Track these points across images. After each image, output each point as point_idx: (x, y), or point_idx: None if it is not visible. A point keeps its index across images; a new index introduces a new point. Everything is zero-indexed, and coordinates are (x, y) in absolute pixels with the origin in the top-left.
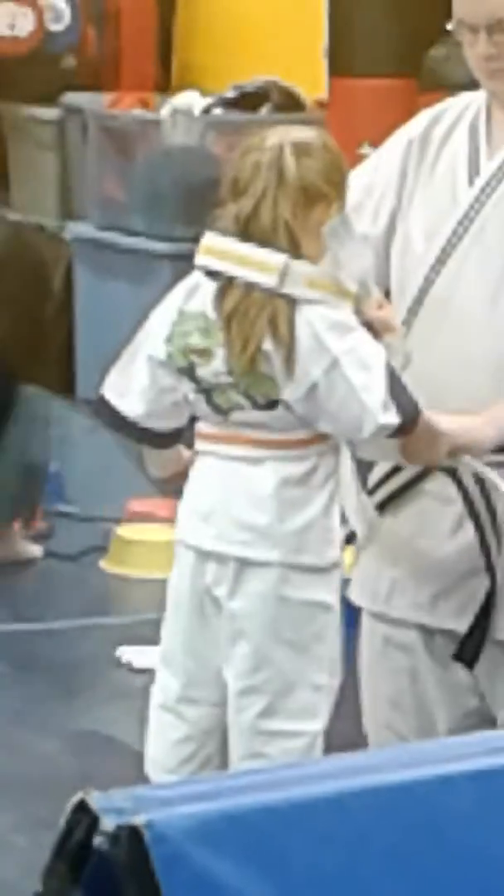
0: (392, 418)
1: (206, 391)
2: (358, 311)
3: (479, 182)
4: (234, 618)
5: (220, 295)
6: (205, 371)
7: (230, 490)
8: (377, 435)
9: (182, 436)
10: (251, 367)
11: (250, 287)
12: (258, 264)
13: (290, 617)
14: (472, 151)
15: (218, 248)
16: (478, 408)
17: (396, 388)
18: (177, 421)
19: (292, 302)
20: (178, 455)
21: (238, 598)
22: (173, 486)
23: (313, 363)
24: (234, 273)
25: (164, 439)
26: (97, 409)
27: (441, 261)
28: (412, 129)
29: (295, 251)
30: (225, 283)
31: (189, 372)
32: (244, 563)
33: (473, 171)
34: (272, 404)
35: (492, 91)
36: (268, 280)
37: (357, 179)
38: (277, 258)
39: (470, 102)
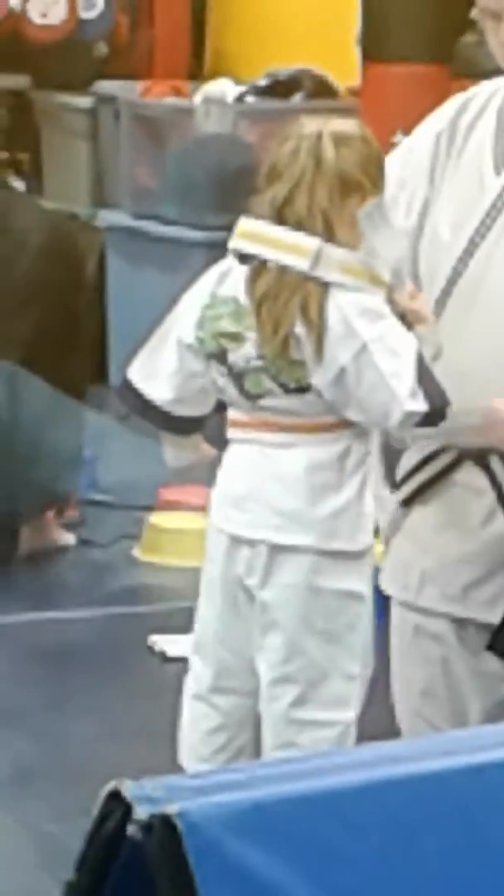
0: (420, 405)
1: (237, 376)
2: (390, 301)
3: None
4: (266, 608)
5: (253, 278)
6: (236, 355)
7: (262, 475)
8: (404, 423)
9: (204, 424)
10: (283, 350)
11: (283, 270)
12: (292, 247)
13: (323, 607)
14: (498, 139)
15: (252, 232)
16: None
17: (425, 377)
18: (202, 408)
19: (324, 286)
20: (197, 445)
21: (270, 587)
22: (188, 475)
23: (342, 348)
24: (267, 256)
25: (188, 426)
26: (122, 392)
27: (469, 252)
28: (440, 120)
29: (330, 237)
30: (257, 267)
31: (220, 356)
32: (276, 549)
33: (500, 159)
34: (303, 389)
35: None
36: (300, 263)
37: (388, 172)
38: (311, 241)
39: (496, 89)
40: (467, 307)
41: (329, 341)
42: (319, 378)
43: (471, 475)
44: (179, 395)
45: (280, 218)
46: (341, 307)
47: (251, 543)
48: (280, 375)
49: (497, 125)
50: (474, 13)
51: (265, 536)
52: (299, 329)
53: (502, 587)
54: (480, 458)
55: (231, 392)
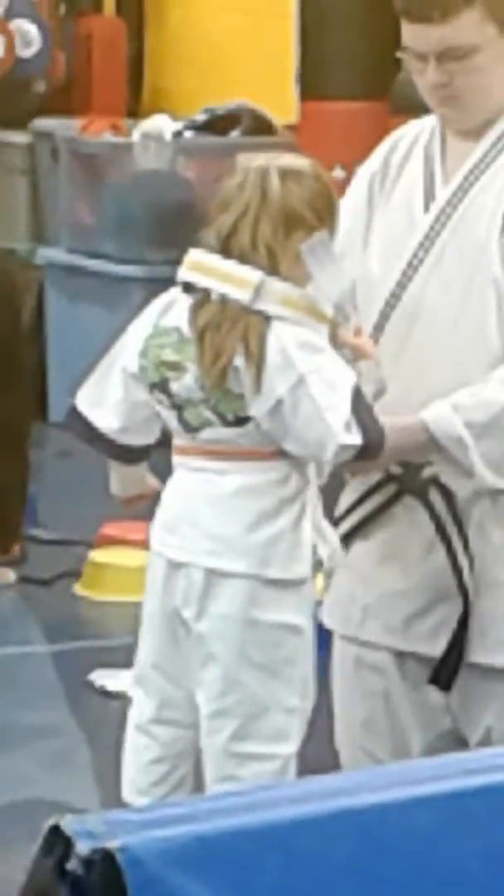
0: (354, 439)
1: (178, 407)
2: (334, 336)
3: (435, 208)
4: (202, 640)
5: (196, 309)
6: (177, 386)
7: (196, 499)
8: (339, 456)
9: (150, 453)
10: (221, 381)
11: (224, 302)
12: (234, 279)
13: (260, 640)
14: (427, 177)
15: (199, 264)
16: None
17: (362, 411)
18: (148, 437)
19: (265, 319)
20: (143, 476)
21: (205, 619)
22: (134, 508)
23: (279, 380)
24: (211, 287)
25: (134, 455)
26: (69, 420)
27: (400, 287)
28: (372, 164)
29: (273, 270)
30: (201, 298)
31: (162, 386)
32: (210, 575)
33: (429, 196)
34: (241, 421)
35: (444, 117)
36: (242, 295)
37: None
38: (253, 274)
39: (424, 127)
40: (400, 341)
41: (267, 372)
42: (257, 409)
43: (410, 509)
44: (125, 423)
45: (225, 249)
46: (280, 339)
47: (185, 567)
48: (219, 406)
49: (425, 164)
50: (400, 53)
51: (198, 561)
52: (238, 361)
53: (443, 619)
54: (420, 491)
55: (172, 423)
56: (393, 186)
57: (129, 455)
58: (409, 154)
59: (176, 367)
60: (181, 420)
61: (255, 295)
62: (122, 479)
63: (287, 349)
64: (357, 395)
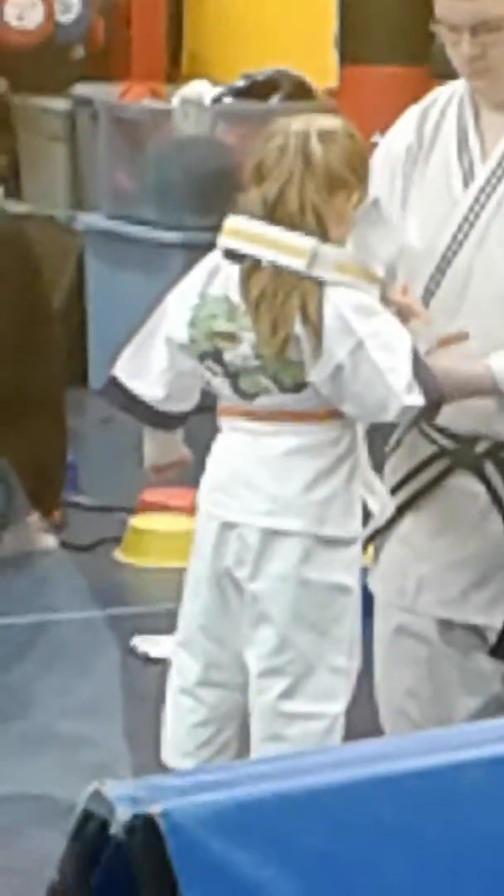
0: (416, 399)
1: (233, 375)
2: (384, 297)
3: (476, 185)
4: (256, 600)
5: (246, 278)
6: (232, 355)
7: (252, 461)
8: (401, 416)
9: (187, 419)
10: (282, 351)
11: (278, 270)
12: (287, 247)
13: (312, 599)
14: (462, 150)
15: (244, 231)
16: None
17: (421, 371)
18: (189, 403)
19: (320, 285)
20: (179, 443)
21: (260, 579)
22: (164, 478)
23: (338, 345)
24: (261, 256)
25: (174, 421)
26: (107, 390)
27: (442, 268)
28: (406, 134)
29: (323, 235)
30: (250, 266)
31: (215, 356)
32: (267, 535)
33: (468, 173)
34: (299, 387)
35: (478, 89)
36: (298, 263)
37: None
38: (307, 241)
39: (453, 94)
40: (447, 320)
41: (326, 338)
42: (316, 375)
43: (464, 480)
44: (170, 392)
45: (272, 217)
46: (337, 305)
47: (239, 528)
48: (278, 374)
49: (458, 132)
50: (433, 26)
51: (255, 521)
52: (297, 329)
53: (499, 590)
54: (474, 463)
55: (225, 391)
56: (427, 158)
57: (169, 422)
58: (440, 123)
59: (230, 337)
60: (236, 388)
61: (310, 262)
62: (159, 447)
63: (344, 314)
64: (415, 355)
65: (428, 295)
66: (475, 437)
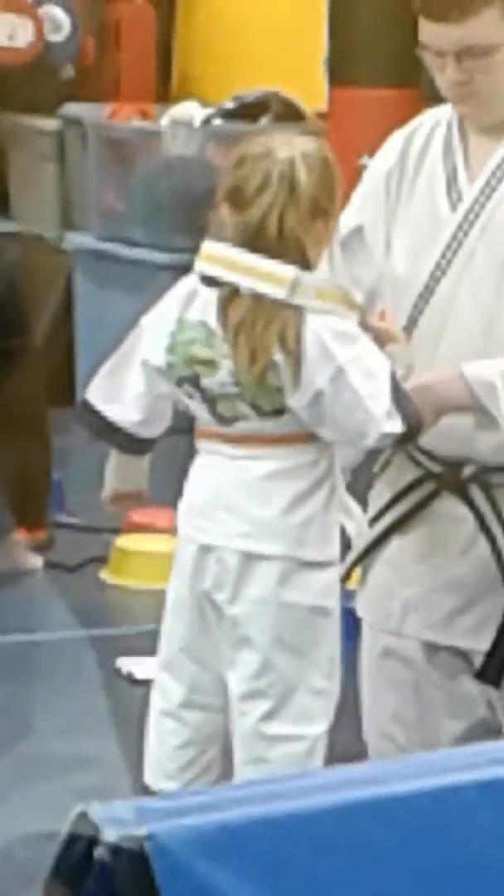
0: (396, 426)
1: (210, 400)
2: (363, 323)
3: (462, 208)
4: (236, 624)
5: (225, 305)
6: (209, 381)
7: (230, 484)
8: (380, 442)
9: (156, 443)
10: (262, 379)
11: (258, 298)
12: (267, 276)
13: (291, 622)
14: (449, 173)
15: (222, 257)
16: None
17: (400, 397)
18: (162, 427)
19: (300, 312)
20: (145, 469)
21: (239, 603)
22: (121, 508)
23: (319, 372)
24: (241, 283)
25: (146, 446)
26: (81, 414)
27: (429, 289)
28: (388, 158)
29: (303, 263)
30: (229, 294)
31: (193, 381)
32: (246, 558)
33: (454, 195)
34: (278, 412)
35: (464, 114)
36: (278, 292)
37: (347, 220)
38: (287, 270)
39: (440, 117)
40: (432, 344)
41: (306, 365)
42: (296, 401)
43: (450, 504)
44: (146, 416)
45: (251, 245)
46: (317, 331)
47: (218, 551)
48: (256, 400)
49: (444, 155)
50: (418, 51)
51: (235, 545)
52: (277, 356)
53: (485, 614)
54: (459, 487)
55: (203, 415)
56: (413, 182)
57: (142, 447)
58: (426, 147)
59: (208, 363)
60: (214, 413)
61: (291, 290)
62: (124, 474)
63: (324, 341)
64: (394, 381)
65: (412, 320)
66: (460, 460)
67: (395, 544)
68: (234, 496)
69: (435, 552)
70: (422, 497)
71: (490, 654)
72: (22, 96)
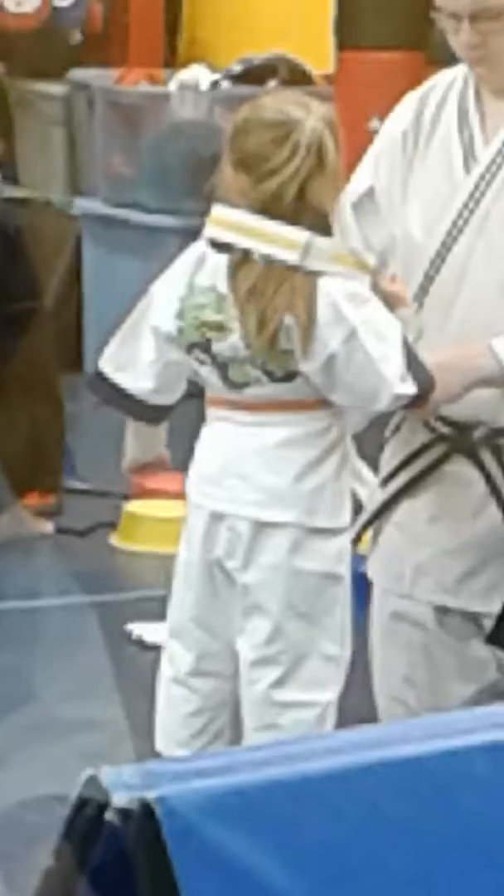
0: (409, 388)
1: (221, 366)
2: (373, 285)
3: (478, 169)
4: (247, 591)
5: (235, 270)
6: (220, 346)
7: (242, 451)
8: (393, 405)
9: (173, 411)
10: (272, 344)
11: (269, 262)
12: (280, 240)
13: (303, 589)
14: (464, 134)
15: (233, 222)
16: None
17: (413, 360)
18: (176, 395)
19: (312, 276)
20: (162, 437)
21: (251, 570)
22: (144, 482)
23: (331, 334)
24: (253, 248)
25: (160, 414)
26: (93, 384)
27: (443, 252)
28: (403, 119)
29: (324, 229)
30: (240, 258)
31: (203, 346)
32: (258, 526)
33: (469, 156)
34: (290, 376)
35: (479, 76)
36: (290, 256)
37: (359, 183)
38: (300, 234)
39: (455, 77)
40: (445, 306)
41: (318, 328)
42: (308, 365)
43: (461, 467)
44: (159, 383)
45: (268, 210)
46: (329, 293)
47: (229, 519)
48: (267, 364)
49: (459, 117)
50: (433, 13)
51: (246, 513)
52: (288, 320)
53: (496, 577)
54: (470, 450)
55: (214, 381)
56: (427, 143)
57: (156, 415)
58: (441, 108)
59: (219, 327)
60: (225, 378)
61: (303, 255)
62: (142, 443)
63: (337, 303)
64: (406, 344)
65: (426, 282)
66: (472, 423)
67: (405, 507)
68: (245, 463)
69: (445, 515)
70: (432, 460)
71: (501, 618)
72: (30, 61)
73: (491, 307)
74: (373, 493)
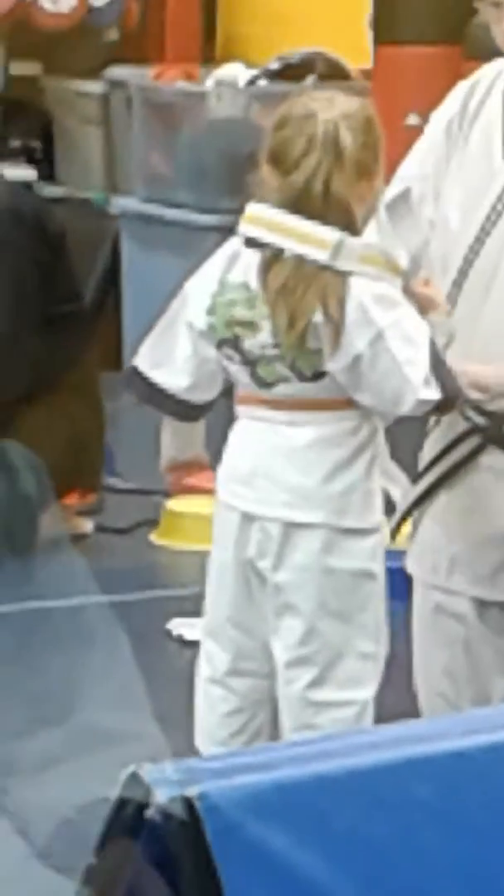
0: (433, 394)
1: (251, 363)
2: (406, 289)
3: None
4: (279, 591)
5: (267, 267)
6: (251, 343)
7: (271, 451)
8: (416, 410)
9: (210, 410)
10: (301, 342)
11: (300, 261)
12: (311, 238)
13: (336, 587)
14: None
15: (266, 219)
16: None
17: (438, 366)
18: (213, 392)
19: (342, 276)
20: (200, 435)
21: (283, 570)
22: (183, 482)
23: (358, 335)
24: (284, 246)
25: (197, 412)
26: (130, 381)
27: (480, 239)
28: (451, 107)
29: (350, 226)
30: (271, 256)
31: (234, 343)
32: (289, 527)
33: None
34: (318, 376)
35: None
36: (321, 255)
37: (410, 170)
38: (332, 233)
39: (501, 70)
40: (482, 293)
41: (346, 328)
42: (335, 364)
43: (496, 458)
44: (194, 380)
45: (296, 207)
46: (358, 295)
47: (262, 521)
48: (296, 363)
49: (502, 108)
50: (476, 3)
51: (277, 513)
52: (317, 318)
53: None
54: (503, 440)
55: (243, 378)
56: (470, 130)
57: (193, 412)
58: (486, 97)
59: (249, 325)
60: (254, 376)
61: (334, 254)
62: (179, 442)
63: (365, 304)
64: (433, 349)
65: (463, 271)
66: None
67: (442, 499)
68: (274, 464)
69: (480, 506)
70: (468, 451)
71: None
72: (66, 60)
73: None
74: (409, 489)
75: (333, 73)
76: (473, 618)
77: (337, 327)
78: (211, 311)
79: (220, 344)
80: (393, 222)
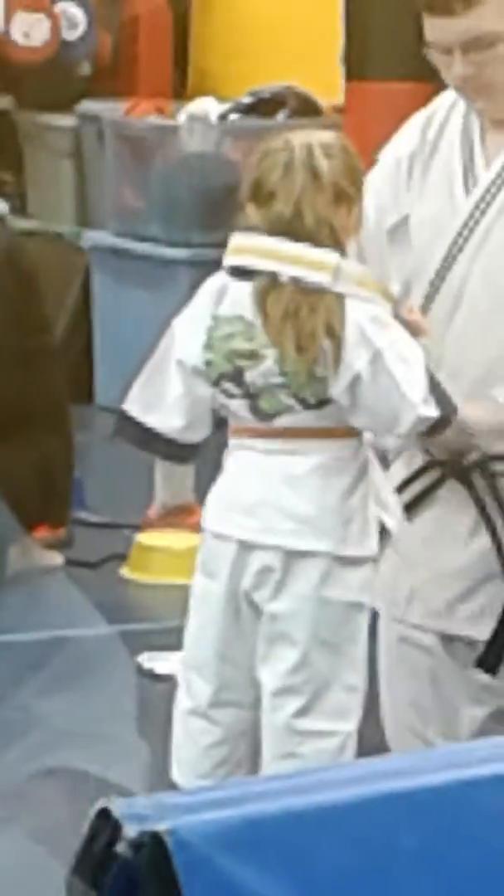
0: (431, 412)
1: (253, 396)
2: (395, 314)
3: (477, 192)
4: (274, 620)
5: (263, 295)
6: (253, 374)
7: (274, 481)
8: (414, 428)
9: (202, 449)
10: (313, 366)
11: (300, 286)
12: (310, 262)
13: (330, 618)
14: (466, 156)
15: (256, 248)
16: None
17: (434, 383)
18: (204, 432)
19: (341, 299)
20: (191, 477)
21: (281, 599)
22: (173, 523)
23: (357, 355)
24: (282, 271)
25: (191, 452)
26: (119, 426)
27: (442, 274)
28: (409, 141)
29: (339, 248)
30: (267, 284)
31: (234, 376)
32: (291, 555)
33: (469, 178)
34: (321, 403)
35: (479, 109)
36: (322, 278)
37: (381, 199)
38: (329, 255)
39: (456, 100)
40: (443, 326)
41: (345, 350)
42: (335, 387)
43: (454, 491)
44: (189, 420)
45: (283, 233)
46: (355, 317)
47: (261, 549)
48: (301, 391)
49: (462, 140)
50: (424, 50)
51: (280, 542)
52: (324, 343)
53: (487, 602)
54: (463, 474)
55: (243, 412)
56: (429, 163)
57: (186, 453)
58: (443, 129)
59: (251, 355)
60: (254, 409)
61: (334, 276)
62: (172, 486)
63: (362, 325)
64: (428, 368)
65: (428, 300)
66: (466, 448)
67: (402, 531)
68: (278, 493)
69: (437, 539)
70: (427, 483)
71: (490, 643)
72: (39, 93)
73: (485, 329)
74: (400, 524)
75: (305, 109)
76: (439, 649)
77: (338, 349)
78: (208, 347)
79: (220, 379)
80: (391, 249)
